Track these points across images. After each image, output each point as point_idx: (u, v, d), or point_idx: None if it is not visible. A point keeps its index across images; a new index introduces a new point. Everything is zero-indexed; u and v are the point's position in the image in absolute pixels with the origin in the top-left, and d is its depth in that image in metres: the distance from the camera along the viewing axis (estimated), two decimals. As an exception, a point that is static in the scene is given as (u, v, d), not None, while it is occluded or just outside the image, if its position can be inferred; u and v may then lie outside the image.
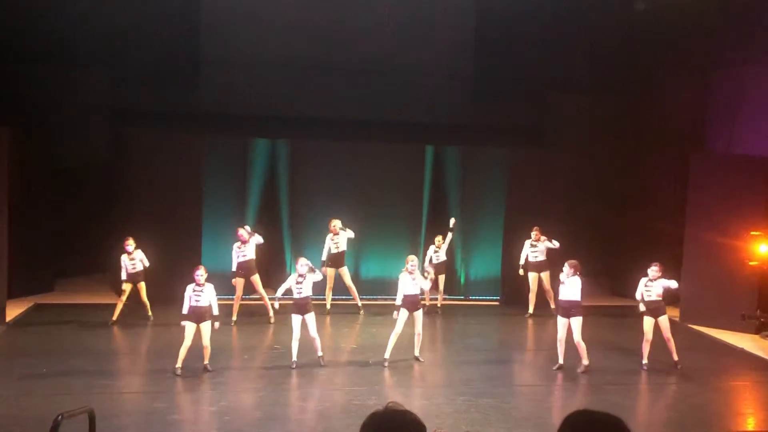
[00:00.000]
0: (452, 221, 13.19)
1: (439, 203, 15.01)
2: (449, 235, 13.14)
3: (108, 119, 15.49)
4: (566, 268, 10.07)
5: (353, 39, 15.28)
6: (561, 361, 10.16)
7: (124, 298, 11.95)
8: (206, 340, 9.60)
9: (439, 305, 13.43)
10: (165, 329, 11.43)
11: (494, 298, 14.41)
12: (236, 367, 10.18)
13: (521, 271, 13.05)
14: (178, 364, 9.49)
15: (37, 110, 14.64)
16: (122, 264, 11.94)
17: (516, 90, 16.17)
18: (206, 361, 9.61)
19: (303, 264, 10.10)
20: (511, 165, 14.40)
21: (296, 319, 9.95)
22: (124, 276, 11.92)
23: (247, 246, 12.12)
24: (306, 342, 10.08)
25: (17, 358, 10.06)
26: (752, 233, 12.31)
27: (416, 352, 10.44)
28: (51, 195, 14.20)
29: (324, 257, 12.79)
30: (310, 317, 9.97)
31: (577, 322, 9.97)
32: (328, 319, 12.77)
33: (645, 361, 10.43)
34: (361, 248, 13.91)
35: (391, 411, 2.87)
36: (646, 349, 10.42)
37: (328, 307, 12.93)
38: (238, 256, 12.13)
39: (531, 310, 13.18)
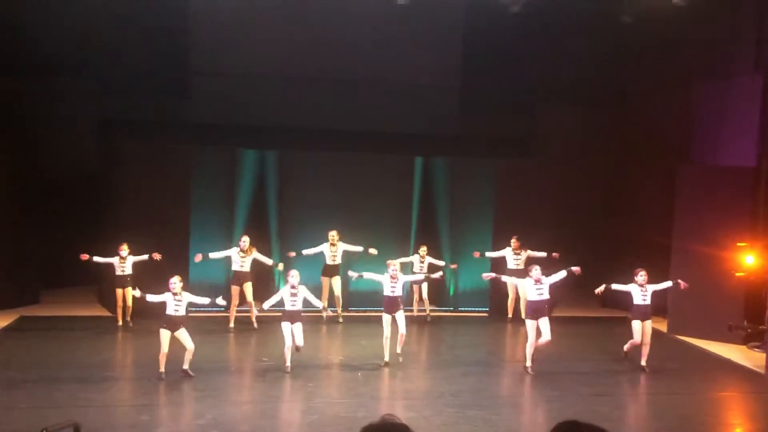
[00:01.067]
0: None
1: (427, 214, 15.03)
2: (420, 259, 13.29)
3: (96, 130, 15.44)
4: (535, 272, 10.63)
5: (342, 50, 15.32)
6: (530, 363, 10.55)
7: (120, 302, 12.26)
8: (189, 344, 9.71)
9: (427, 313, 13.45)
10: (151, 341, 11.33)
11: (483, 309, 14.42)
12: (223, 380, 10.11)
13: (493, 274, 13.09)
14: (161, 369, 9.63)
15: (25, 121, 14.57)
16: (108, 260, 12.26)
17: (504, 101, 16.26)
18: (186, 366, 9.70)
19: (294, 275, 10.28)
20: (499, 176, 14.45)
21: (287, 327, 10.14)
22: (98, 260, 12.26)
23: (246, 257, 12.33)
24: (293, 353, 10.11)
25: (2, 371, 9.94)
26: (739, 244, 12.40)
27: (398, 350, 10.68)
28: (38, 206, 14.10)
29: (306, 252, 12.91)
30: (298, 327, 10.15)
31: (545, 322, 10.44)
32: (323, 329, 12.74)
33: (626, 351, 10.99)
34: (350, 259, 13.88)
35: (386, 423, 2.85)
36: (641, 350, 10.83)
37: (324, 316, 13.01)
38: (236, 264, 12.33)
39: (510, 314, 13.49)
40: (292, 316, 10.19)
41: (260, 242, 14.27)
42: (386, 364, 10.56)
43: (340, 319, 13.17)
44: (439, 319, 14.01)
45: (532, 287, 10.72)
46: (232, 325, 12.34)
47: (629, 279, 11.05)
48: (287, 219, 14.24)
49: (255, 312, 12.36)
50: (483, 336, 13.30)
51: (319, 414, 8.77)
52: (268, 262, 12.66)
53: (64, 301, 14.05)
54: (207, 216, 13.84)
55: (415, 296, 13.54)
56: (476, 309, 14.53)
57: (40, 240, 14.11)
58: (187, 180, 13.49)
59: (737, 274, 12.40)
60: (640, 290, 10.89)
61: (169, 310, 9.72)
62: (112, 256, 12.28)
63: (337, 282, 13.09)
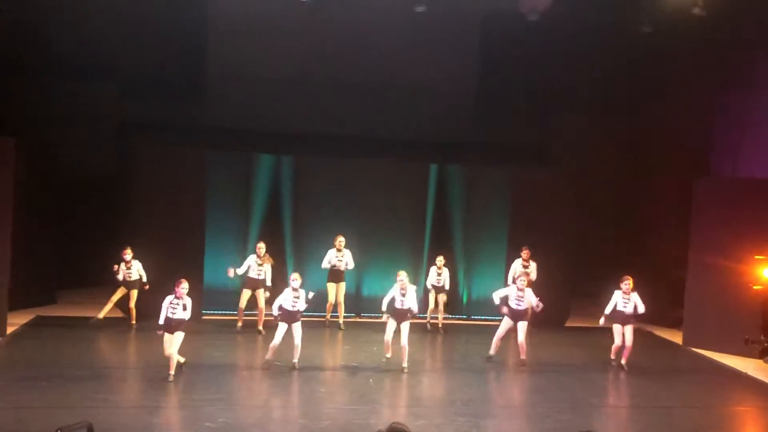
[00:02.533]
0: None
1: (442, 222, 15.01)
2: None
3: (113, 132, 15.59)
4: (521, 282, 11.40)
5: (359, 57, 15.38)
6: (492, 352, 11.34)
7: (114, 298, 12.44)
8: (175, 349, 9.77)
9: (440, 325, 13.39)
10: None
11: (496, 318, 14.33)
12: (235, 383, 10.14)
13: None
14: (171, 371, 9.72)
15: (43, 122, 14.75)
16: (119, 272, 12.44)
17: (520, 110, 16.24)
18: (171, 371, 9.73)
19: (295, 279, 10.47)
20: (514, 185, 14.41)
21: (282, 327, 10.35)
22: (120, 278, 12.46)
23: (264, 266, 12.47)
24: (301, 360, 10.19)
25: (17, 371, 10.02)
26: (756, 257, 12.28)
27: (404, 363, 10.69)
28: (55, 206, 14.25)
29: (325, 265, 12.98)
30: (297, 326, 10.39)
31: (523, 326, 11.14)
32: (327, 334, 12.75)
33: (613, 357, 11.33)
34: (363, 266, 13.90)
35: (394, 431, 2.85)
36: (623, 351, 11.18)
37: (327, 322, 13.01)
38: (252, 271, 12.45)
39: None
40: (292, 317, 10.34)
41: (274, 247, 14.32)
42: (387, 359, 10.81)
43: (342, 327, 13.13)
44: (452, 326, 13.98)
45: (515, 296, 11.24)
46: (240, 325, 12.54)
47: (647, 290, 11.09)
48: (302, 224, 14.28)
49: (263, 318, 12.45)
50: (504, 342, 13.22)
51: (330, 420, 8.76)
52: (269, 282, 12.60)
53: (80, 302, 14.18)
54: (222, 220, 13.91)
55: (431, 305, 13.45)
56: (490, 317, 14.47)
57: (58, 241, 14.25)
58: (203, 184, 13.58)
59: (754, 287, 12.27)
60: (623, 297, 11.22)
61: (168, 313, 9.81)
62: (117, 261, 12.44)
63: (342, 288, 13.08)
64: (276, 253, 14.34)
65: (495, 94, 16.11)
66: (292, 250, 14.33)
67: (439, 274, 13.19)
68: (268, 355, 10.45)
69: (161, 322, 9.83)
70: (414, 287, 11.11)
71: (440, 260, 13.24)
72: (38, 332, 12.12)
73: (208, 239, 13.52)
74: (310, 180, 14.36)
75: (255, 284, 12.51)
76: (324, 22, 15.08)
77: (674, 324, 14.27)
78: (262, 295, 12.51)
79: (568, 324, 14.45)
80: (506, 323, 11.33)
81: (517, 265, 13.17)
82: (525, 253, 13.17)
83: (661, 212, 14.71)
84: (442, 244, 14.89)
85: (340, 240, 12.99)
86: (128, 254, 12.36)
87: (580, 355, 12.10)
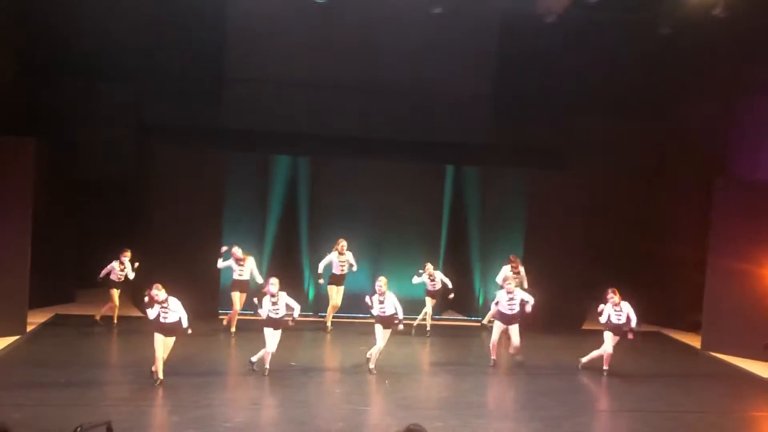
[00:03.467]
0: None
1: (458, 223, 14.98)
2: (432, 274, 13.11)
3: (132, 133, 15.70)
4: (509, 284, 11.41)
5: (376, 58, 15.39)
6: (494, 357, 11.37)
7: (117, 302, 12.52)
8: (166, 353, 9.62)
9: (428, 327, 13.26)
10: (184, 342, 11.45)
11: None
12: (252, 384, 10.18)
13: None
14: (159, 376, 9.54)
15: (62, 122, 14.90)
16: (109, 267, 12.40)
17: (537, 111, 16.17)
18: (161, 375, 9.56)
19: (273, 283, 10.22)
20: (531, 187, 14.35)
21: (269, 332, 10.15)
22: (102, 275, 12.45)
23: (245, 266, 12.38)
24: (317, 360, 10.18)
25: (37, 368, 10.14)
26: (776, 261, 12.15)
27: (371, 363, 10.66)
28: (74, 206, 14.38)
29: (321, 270, 12.90)
30: (277, 334, 10.17)
31: (515, 329, 11.24)
32: (342, 336, 12.78)
33: (584, 360, 11.30)
34: (379, 266, 13.89)
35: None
36: (606, 359, 11.06)
37: (328, 325, 13.08)
38: (235, 272, 12.39)
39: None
40: (275, 323, 10.15)
41: (290, 247, 14.39)
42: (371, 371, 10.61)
43: (330, 328, 13.12)
44: (467, 329, 13.95)
45: (506, 299, 11.19)
46: (233, 329, 12.39)
47: (665, 293, 11.00)
48: (318, 224, 14.31)
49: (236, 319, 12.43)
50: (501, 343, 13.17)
51: (346, 421, 8.78)
52: (259, 279, 12.38)
53: (99, 300, 14.26)
54: (239, 220, 13.97)
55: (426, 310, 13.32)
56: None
57: (76, 240, 14.38)
58: (221, 184, 13.64)
59: (774, 291, 12.15)
60: (614, 309, 11.02)
61: (160, 319, 9.58)
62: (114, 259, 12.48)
63: (341, 291, 13.07)
64: (292, 253, 14.40)
65: (512, 95, 16.05)
66: (308, 250, 14.36)
67: (432, 280, 13.07)
68: (254, 358, 10.23)
69: (152, 317, 9.55)
70: (393, 294, 10.80)
71: (429, 267, 13.04)
72: (57, 331, 12.24)
73: (225, 239, 13.57)
74: (327, 181, 14.39)
75: (243, 286, 12.44)
76: (341, 23, 15.11)
77: (693, 328, 14.16)
78: (241, 299, 12.43)
79: (584, 327, 14.38)
80: (498, 327, 11.35)
81: (506, 271, 12.97)
82: (514, 263, 12.91)
83: (680, 215, 14.60)
84: (457, 246, 14.87)
85: (343, 244, 12.90)
86: (127, 256, 12.43)
87: (596, 359, 12.02)
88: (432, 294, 13.17)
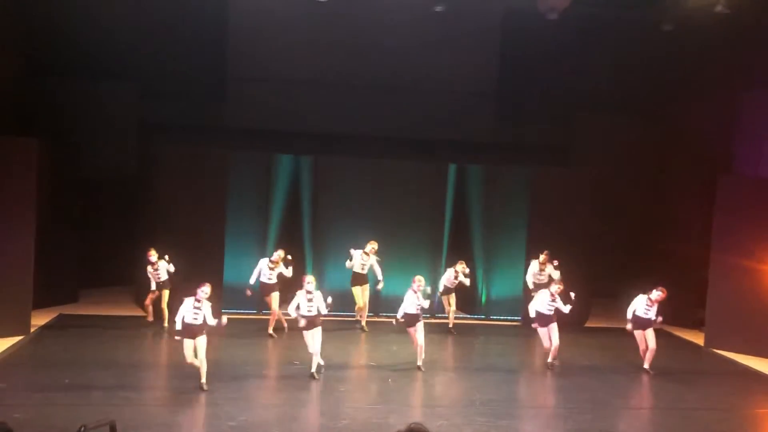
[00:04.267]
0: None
1: (461, 221, 14.97)
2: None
3: (135, 132, 15.73)
4: (555, 288, 11.15)
5: (378, 57, 15.40)
6: (550, 359, 11.16)
7: (152, 301, 12.45)
8: (202, 355, 9.42)
9: (450, 325, 13.32)
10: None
11: (515, 318, 14.30)
12: (256, 382, 10.19)
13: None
14: (203, 379, 9.43)
15: (65, 122, 14.91)
16: (149, 276, 12.36)
17: (540, 109, 16.15)
18: (203, 380, 9.41)
19: (310, 282, 10.18)
20: (534, 184, 14.33)
21: (307, 334, 10.11)
22: (153, 287, 12.41)
23: (275, 270, 12.37)
24: (322, 358, 10.17)
25: (40, 368, 10.16)
26: (780, 258, 12.13)
27: (419, 362, 10.71)
28: (77, 206, 14.40)
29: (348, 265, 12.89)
30: (318, 332, 10.09)
31: (554, 327, 11.05)
32: (346, 334, 12.79)
33: (646, 366, 11.12)
34: (383, 265, 13.89)
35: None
36: (646, 356, 11.13)
37: (363, 324, 13.06)
38: (265, 276, 12.35)
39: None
40: (311, 322, 10.09)
41: (293, 246, 14.37)
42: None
43: (366, 329, 13.10)
44: (471, 327, 13.94)
45: (547, 301, 11.05)
46: (270, 330, 12.37)
47: (668, 290, 11.05)
48: (321, 223, 14.31)
49: (274, 321, 12.37)
50: (514, 345, 13.19)
51: (349, 419, 8.78)
52: (288, 274, 12.42)
53: (102, 301, 14.33)
54: (242, 219, 13.98)
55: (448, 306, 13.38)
56: (508, 318, 14.43)
57: (80, 240, 14.41)
58: (224, 184, 13.65)
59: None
60: (647, 304, 11.08)
61: (190, 319, 9.43)
62: (143, 264, 12.38)
63: (366, 291, 13.04)
64: (295, 252, 14.40)
65: (515, 93, 16.04)
66: (311, 249, 14.36)
67: (456, 278, 13.10)
68: (312, 368, 10.12)
69: (179, 327, 9.44)
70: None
71: (462, 266, 12.99)
72: (61, 331, 12.27)
73: (229, 238, 13.59)
74: (330, 180, 14.39)
75: (270, 289, 12.40)
76: (343, 22, 15.11)
77: (696, 325, 14.13)
78: (277, 297, 12.42)
79: (588, 324, 14.37)
80: (542, 332, 11.20)
81: (534, 268, 13.00)
82: (543, 257, 12.91)
83: (683, 212, 14.57)
84: (460, 244, 14.85)
85: (374, 246, 12.83)
86: (153, 255, 12.26)
87: (600, 356, 12.02)
88: (449, 291, 13.15)
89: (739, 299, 12.54)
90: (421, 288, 10.75)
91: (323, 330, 10.27)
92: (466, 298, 14.41)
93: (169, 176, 13.70)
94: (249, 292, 12.34)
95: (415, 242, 14.34)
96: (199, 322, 9.44)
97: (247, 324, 13.03)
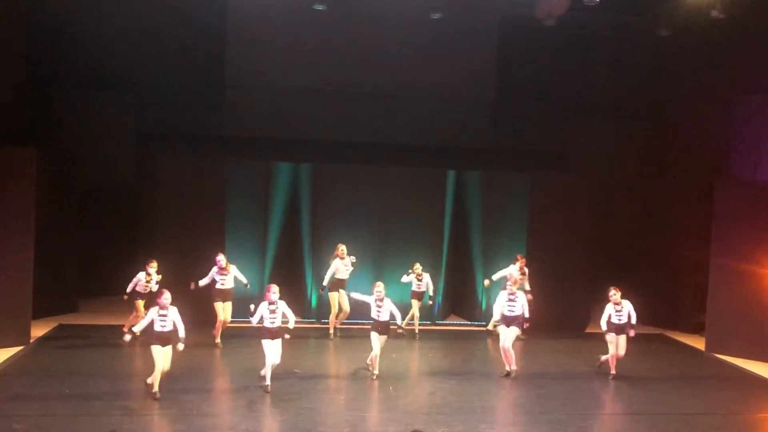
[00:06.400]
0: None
1: (460, 227, 14.99)
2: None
3: (133, 142, 15.75)
4: (511, 286, 11.12)
5: (375, 64, 15.45)
6: (510, 366, 11.01)
7: (143, 312, 12.04)
8: (167, 364, 9.39)
9: (416, 331, 13.28)
10: (187, 351, 11.46)
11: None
12: (256, 391, 10.16)
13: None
14: (155, 389, 9.33)
15: (63, 132, 14.95)
16: (136, 279, 12.05)
17: (537, 115, 16.20)
18: (157, 388, 9.31)
19: (275, 292, 9.87)
20: (532, 190, 14.36)
21: (267, 344, 9.81)
22: (129, 289, 12.03)
23: (227, 275, 12.14)
24: (321, 366, 10.12)
25: (40, 379, 10.14)
26: (779, 261, 12.14)
27: (375, 371, 10.65)
28: (76, 216, 14.40)
29: (326, 282, 12.79)
30: (278, 344, 9.88)
31: (512, 331, 10.97)
32: (345, 342, 12.77)
33: (599, 365, 11.28)
34: (381, 272, 13.89)
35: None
36: (613, 362, 11.10)
37: (332, 332, 12.99)
38: (217, 282, 12.10)
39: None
40: (272, 333, 9.80)
41: (292, 254, 14.39)
42: (376, 377, 10.59)
43: (337, 335, 13.03)
44: (471, 333, 13.93)
45: (506, 299, 10.99)
46: (218, 340, 12.06)
47: (668, 295, 10.99)
48: (320, 231, 14.31)
49: (220, 332, 12.07)
50: (516, 352, 13.14)
51: (350, 427, 8.76)
52: (244, 280, 12.25)
53: (102, 310, 14.31)
54: (241, 228, 13.99)
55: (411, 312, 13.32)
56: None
57: (79, 249, 14.40)
58: (222, 192, 13.66)
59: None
60: (615, 308, 11.07)
61: (157, 326, 9.35)
62: (140, 270, 12.11)
63: (344, 295, 12.88)
64: (294, 260, 14.40)
65: (512, 99, 16.08)
66: (310, 256, 14.36)
67: (419, 281, 13.09)
68: (267, 379, 9.83)
69: (137, 329, 9.43)
70: (390, 300, 10.77)
71: (418, 267, 13.09)
72: (61, 341, 12.24)
73: (228, 247, 13.57)
74: (329, 187, 14.40)
75: (226, 295, 12.12)
76: (341, 30, 15.16)
77: (695, 329, 14.14)
78: (230, 308, 12.12)
79: (588, 330, 14.36)
80: (502, 331, 11.10)
81: (513, 269, 12.93)
82: (522, 262, 13.00)
83: (681, 216, 14.59)
84: (459, 251, 14.86)
85: (342, 248, 12.80)
86: (153, 267, 12.07)
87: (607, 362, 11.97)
88: (418, 295, 13.19)
89: (739, 303, 12.55)
90: (382, 296, 10.57)
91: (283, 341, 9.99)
92: (466, 304, 14.42)
93: (168, 185, 13.71)
94: (192, 286, 12.03)
95: (414, 249, 14.34)
96: (168, 329, 9.35)
97: (245, 332, 13.00)
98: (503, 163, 15.53)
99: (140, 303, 12.15)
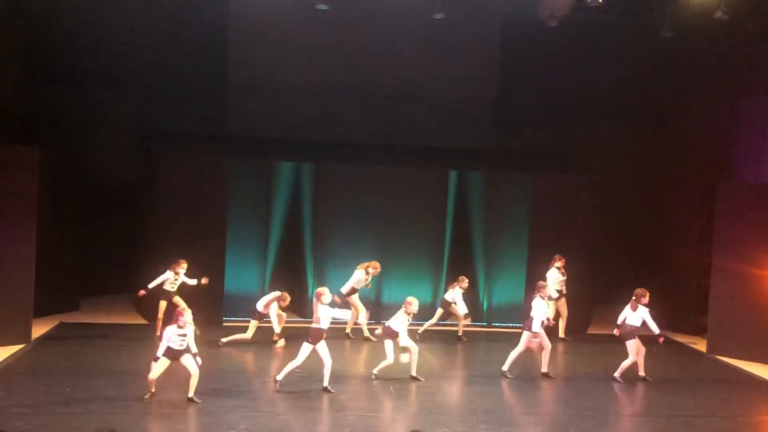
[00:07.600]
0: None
1: (462, 228, 14.97)
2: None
3: (136, 140, 15.77)
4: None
5: (378, 64, 15.45)
6: (545, 369, 11.10)
7: (162, 314, 12.09)
8: (194, 370, 9.27)
9: (460, 333, 13.32)
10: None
11: (517, 325, 14.25)
12: (255, 391, 10.17)
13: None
14: (191, 394, 9.30)
15: (66, 130, 14.96)
16: (163, 278, 11.95)
17: (540, 115, 16.19)
18: (151, 391, 9.25)
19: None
20: (534, 191, 14.34)
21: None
22: (152, 285, 11.92)
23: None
24: (321, 366, 10.13)
25: (41, 377, 10.15)
26: (781, 263, 12.12)
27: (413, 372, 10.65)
28: (78, 214, 14.41)
29: (346, 290, 12.68)
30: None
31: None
32: (347, 342, 12.78)
33: (641, 374, 11.09)
34: (384, 273, 13.88)
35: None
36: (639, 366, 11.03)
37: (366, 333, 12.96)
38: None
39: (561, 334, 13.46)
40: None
41: (294, 253, 14.38)
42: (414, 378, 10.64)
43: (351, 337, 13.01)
44: (473, 334, 13.92)
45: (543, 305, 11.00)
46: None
47: (669, 297, 10.99)
48: (322, 231, 14.30)
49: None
50: (519, 353, 13.14)
51: (351, 427, 8.76)
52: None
53: (103, 309, 14.32)
54: (243, 227, 13.99)
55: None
56: (510, 324, 14.40)
57: (81, 247, 14.42)
58: (224, 191, 13.66)
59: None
60: (632, 311, 10.97)
61: (175, 345, 9.22)
62: (163, 271, 12.01)
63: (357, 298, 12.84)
64: (296, 260, 14.40)
65: (515, 99, 16.07)
66: (312, 256, 14.35)
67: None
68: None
69: (160, 353, 9.20)
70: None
71: (466, 281, 13.06)
72: (62, 339, 12.25)
73: (229, 246, 13.59)
74: (330, 187, 14.39)
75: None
76: (343, 30, 15.16)
77: (697, 331, 14.12)
78: (162, 307, 12.03)
79: (590, 331, 14.35)
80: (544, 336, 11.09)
81: (555, 273, 13.04)
82: (561, 263, 13.11)
83: (684, 218, 14.57)
84: (461, 251, 14.85)
85: (378, 268, 12.72)
86: (183, 268, 11.95)
87: (602, 363, 11.98)
88: (447, 305, 13.15)
89: (740, 305, 12.53)
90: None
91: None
92: (468, 304, 14.39)
93: (170, 184, 13.71)
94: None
95: (416, 250, 14.35)
96: (185, 347, 9.28)
97: (245, 331, 12.99)
98: (506, 164, 15.51)
99: (163, 304, 12.05)
